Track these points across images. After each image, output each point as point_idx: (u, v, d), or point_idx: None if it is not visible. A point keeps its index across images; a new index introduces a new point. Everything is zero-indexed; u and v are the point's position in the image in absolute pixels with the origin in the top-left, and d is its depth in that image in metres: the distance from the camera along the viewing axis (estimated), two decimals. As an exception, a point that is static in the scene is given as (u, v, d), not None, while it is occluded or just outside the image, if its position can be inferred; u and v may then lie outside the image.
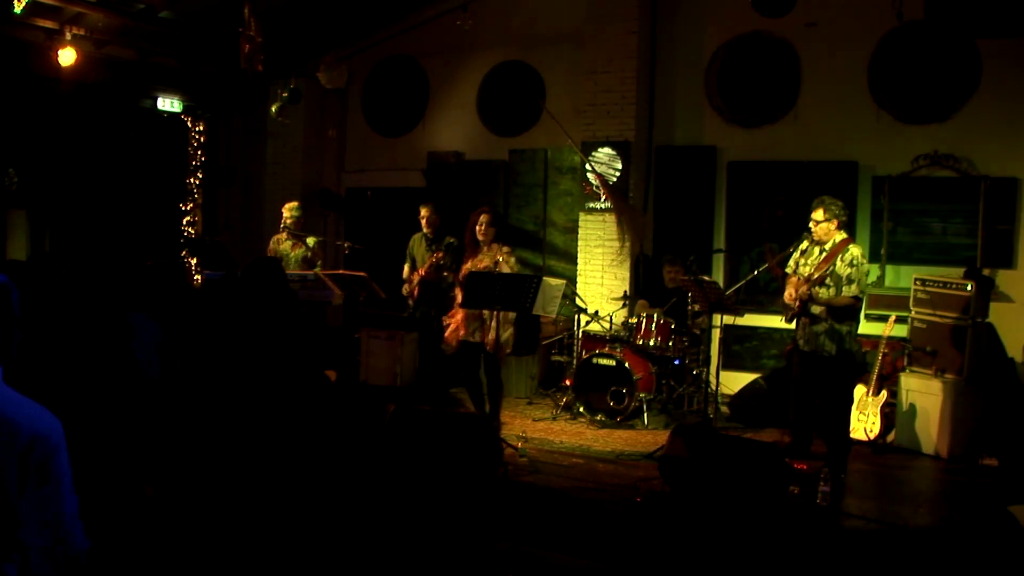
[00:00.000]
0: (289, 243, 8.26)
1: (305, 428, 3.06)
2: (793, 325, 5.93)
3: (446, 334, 6.65)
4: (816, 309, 5.71)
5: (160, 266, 4.90)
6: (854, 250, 5.70)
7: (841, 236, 5.78)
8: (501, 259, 6.35)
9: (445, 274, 7.00)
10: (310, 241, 8.36)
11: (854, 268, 5.62)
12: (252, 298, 3.36)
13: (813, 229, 5.84)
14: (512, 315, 6.48)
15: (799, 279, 5.82)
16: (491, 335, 6.32)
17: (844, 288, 5.64)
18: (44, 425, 1.94)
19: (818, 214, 5.78)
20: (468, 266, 6.49)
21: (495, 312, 6.24)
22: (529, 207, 9.55)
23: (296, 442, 3.03)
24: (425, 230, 7.58)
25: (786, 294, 5.90)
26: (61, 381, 3.84)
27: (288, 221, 8.29)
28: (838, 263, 5.65)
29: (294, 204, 8.44)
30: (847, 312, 5.68)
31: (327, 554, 3.25)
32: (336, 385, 7.14)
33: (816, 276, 5.69)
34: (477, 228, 6.46)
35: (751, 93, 8.51)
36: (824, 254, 5.77)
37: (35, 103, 8.85)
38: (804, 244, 5.96)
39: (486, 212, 6.53)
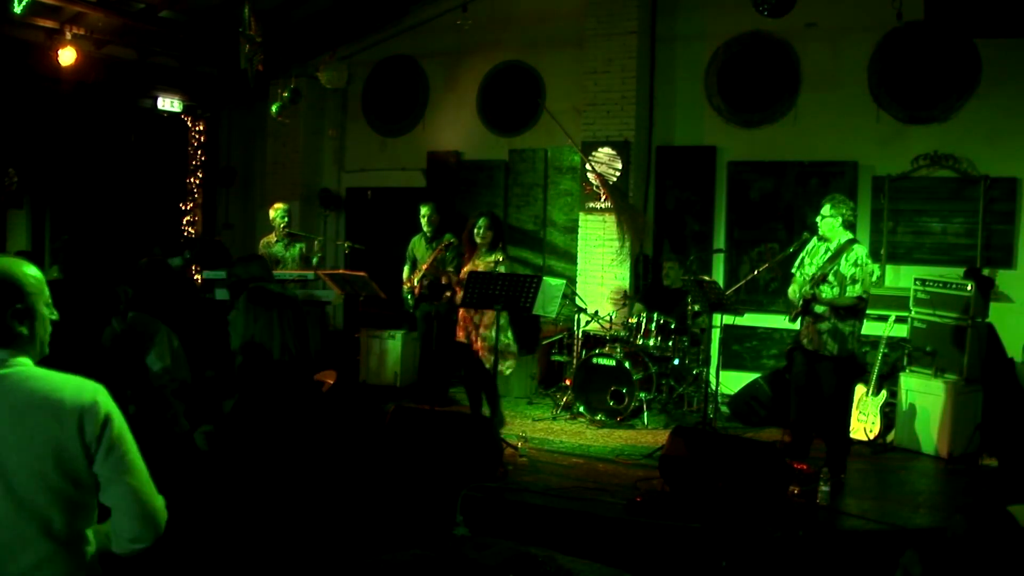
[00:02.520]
0: (281, 244, 8.22)
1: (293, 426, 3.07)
2: (797, 324, 5.92)
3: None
4: (820, 308, 5.70)
5: (154, 263, 4.90)
6: (859, 250, 5.68)
7: (847, 236, 5.77)
8: (495, 265, 6.39)
9: (449, 270, 7.03)
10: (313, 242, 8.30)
11: (858, 268, 5.60)
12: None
13: (818, 223, 5.83)
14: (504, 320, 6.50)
15: (804, 278, 5.81)
16: (480, 343, 6.36)
17: (848, 288, 5.62)
18: (90, 395, 1.98)
19: (825, 209, 5.76)
20: (467, 268, 6.52)
21: (493, 316, 6.25)
22: (529, 207, 9.55)
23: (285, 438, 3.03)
24: (425, 229, 7.60)
25: (790, 290, 5.90)
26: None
27: (279, 222, 8.23)
28: (842, 262, 5.64)
29: (281, 205, 8.35)
30: (851, 312, 5.67)
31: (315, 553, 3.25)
32: (334, 386, 7.14)
33: (818, 274, 5.68)
34: (475, 231, 6.50)
35: (751, 93, 8.51)
36: (829, 253, 5.76)
37: (35, 103, 8.84)
38: (811, 243, 5.95)
39: (484, 216, 6.58)
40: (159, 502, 2.03)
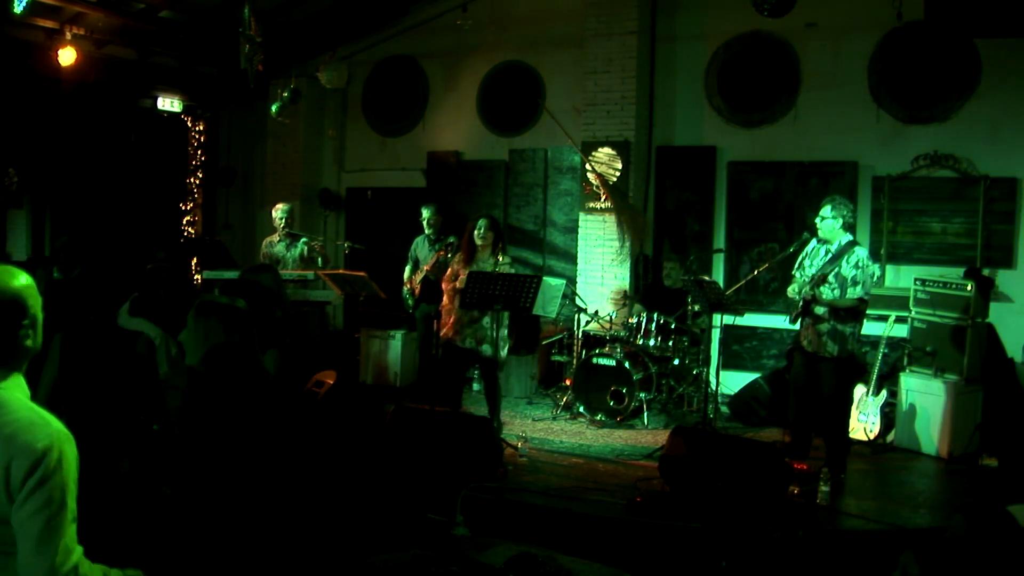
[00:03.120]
0: (283, 244, 8.21)
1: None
2: (797, 325, 5.92)
3: (441, 334, 6.70)
4: (820, 309, 5.70)
5: (159, 269, 4.90)
6: (859, 252, 5.67)
7: (847, 237, 5.76)
8: (495, 267, 6.42)
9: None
10: (314, 243, 8.25)
11: (859, 270, 5.59)
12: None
13: (818, 225, 5.82)
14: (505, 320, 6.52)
15: (804, 279, 5.80)
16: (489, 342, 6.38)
17: (849, 290, 5.62)
18: (43, 441, 1.89)
19: (826, 210, 5.75)
20: (465, 268, 6.53)
21: (493, 316, 6.26)
22: (529, 207, 9.55)
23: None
24: (427, 231, 7.61)
25: (789, 289, 5.90)
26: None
27: (279, 223, 8.22)
28: (843, 264, 5.63)
29: (283, 205, 8.33)
30: (851, 313, 5.67)
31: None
32: (334, 386, 7.14)
33: (819, 276, 5.68)
34: (475, 232, 6.53)
35: (751, 93, 8.51)
36: (830, 255, 5.75)
37: (35, 103, 8.85)
38: (811, 244, 5.95)
39: (485, 217, 6.63)
40: (67, 567, 1.88)
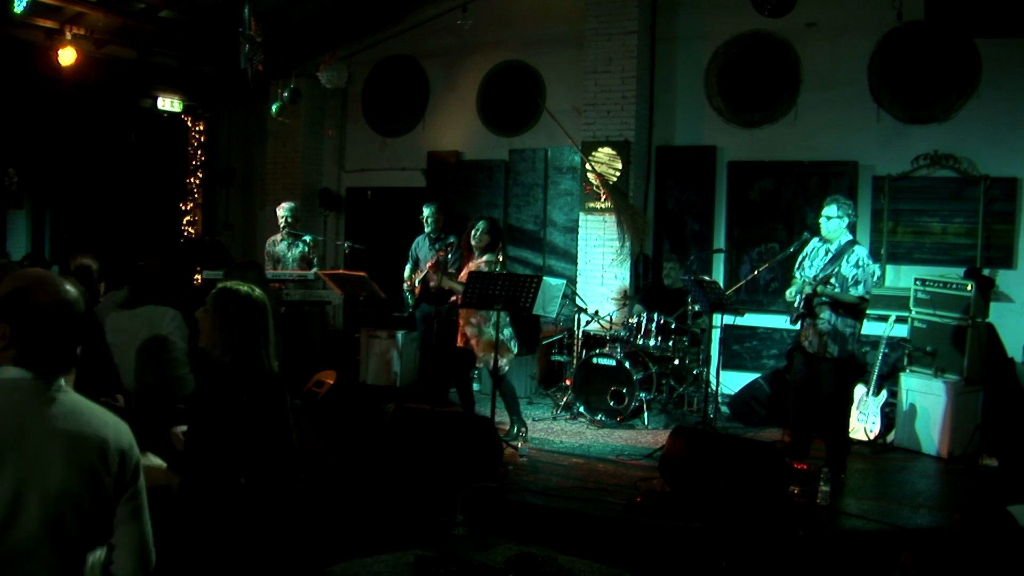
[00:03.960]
0: (285, 243, 8.22)
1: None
2: (798, 326, 5.91)
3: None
4: (821, 310, 5.69)
5: (149, 266, 4.94)
6: (860, 251, 5.66)
7: (847, 237, 5.76)
8: (484, 262, 6.43)
9: (451, 271, 7.04)
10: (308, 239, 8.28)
11: (860, 269, 5.59)
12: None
13: (823, 225, 5.81)
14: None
15: (804, 280, 5.79)
16: (475, 338, 6.39)
17: (851, 289, 5.61)
18: (126, 439, 2.06)
19: (831, 210, 5.74)
20: (467, 270, 6.56)
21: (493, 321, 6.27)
22: (529, 207, 9.55)
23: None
24: (428, 229, 7.62)
25: (788, 292, 5.89)
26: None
27: (283, 221, 8.23)
28: (843, 264, 5.62)
29: (288, 204, 8.36)
30: (851, 313, 5.66)
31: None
32: (334, 386, 7.15)
33: (820, 277, 5.67)
34: (472, 234, 6.56)
35: (751, 93, 8.51)
36: (830, 254, 5.74)
37: (35, 103, 8.84)
38: (811, 244, 5.94)
39: (484, 220, 6.68)
40: (152, 545, 2.13)
